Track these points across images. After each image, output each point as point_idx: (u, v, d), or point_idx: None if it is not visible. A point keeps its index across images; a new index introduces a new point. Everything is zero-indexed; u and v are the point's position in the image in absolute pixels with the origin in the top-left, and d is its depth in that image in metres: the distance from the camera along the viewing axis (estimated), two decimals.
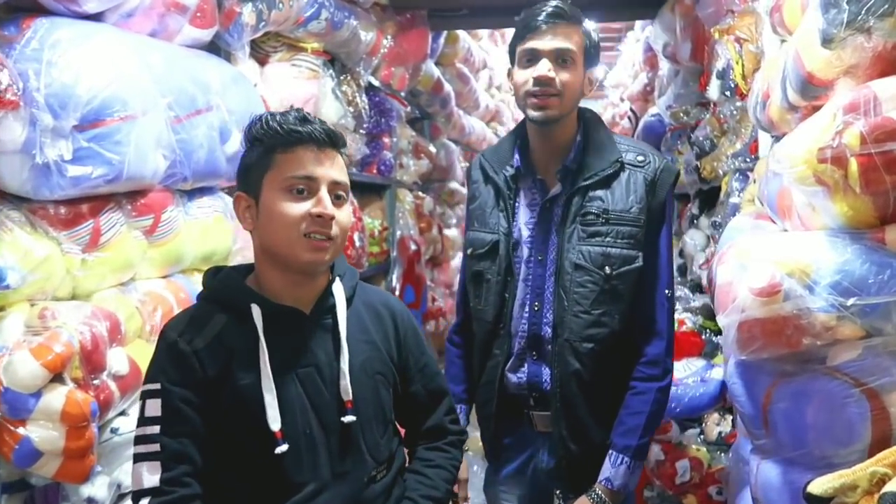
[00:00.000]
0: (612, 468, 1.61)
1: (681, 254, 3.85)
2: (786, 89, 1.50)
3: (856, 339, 1.25)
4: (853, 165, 1.18)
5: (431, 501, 1.37)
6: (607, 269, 1.61)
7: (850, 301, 1.21)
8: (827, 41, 1.24)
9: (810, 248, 1.29)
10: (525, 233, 1.71)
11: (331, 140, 1.27)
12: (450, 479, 1.43)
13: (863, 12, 1.17)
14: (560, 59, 1.62)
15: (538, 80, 1.61)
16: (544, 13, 1.63)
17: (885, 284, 1.19)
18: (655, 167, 1.66)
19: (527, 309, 1.70)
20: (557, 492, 1.67)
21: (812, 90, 1.39)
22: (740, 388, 1.50)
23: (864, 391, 1.20)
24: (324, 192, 1.24)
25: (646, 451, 1.65)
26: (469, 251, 1.79)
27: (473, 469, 1.94)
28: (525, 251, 1.70)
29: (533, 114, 1.65)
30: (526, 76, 1.64)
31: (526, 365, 1.71)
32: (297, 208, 1.23)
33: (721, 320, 1.39)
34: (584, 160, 1.67)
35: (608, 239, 1.62)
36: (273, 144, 1.25)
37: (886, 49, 1.19)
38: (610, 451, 1.63)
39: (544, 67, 1.61)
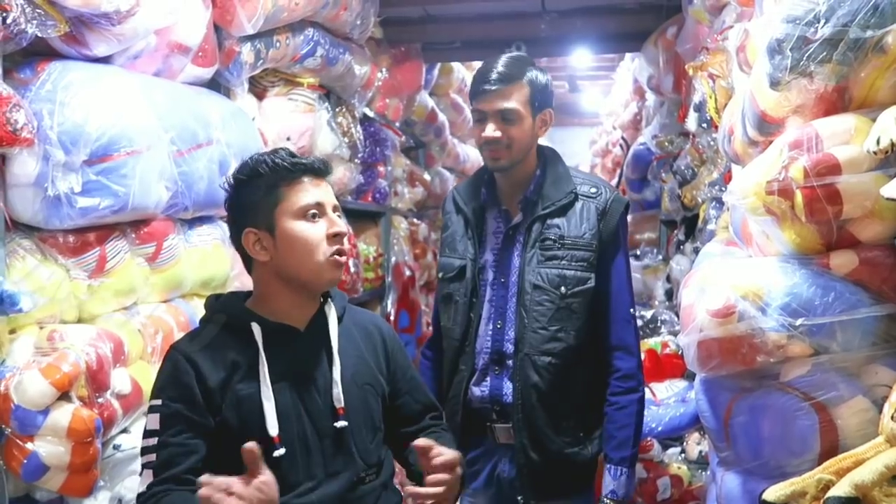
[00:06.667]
0: (613, 480, 1.74)
1: (668, 279, 3.94)
2: (745, 125, 1.60)
3: (805, 356, 1.34)
4: (798, 197, 1.28)
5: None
6: (563, 289, 1.77)
7: (799, 321, 1.30)
8: (774, 84, 1.34)
9: (762, 272, 1.38)
10: (490, 258, 1.87)
11: (325, 168, 1.41)
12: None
13: (804, 59, 1.26)
14: (503, 118, 1.78)
15: (485, 140, 1.79)
16: (487, 80, 1.78)
17: (830, 306, 1.29)
18: (606, 198, 1.83)
19: (490, 327, 1.84)
20: (520, 498, 1.78)
21: (767, 127, 1.49)
22: (705, 403, 1.59)
23: (814, 405, 1.29)
24: (332, 214, 1.38)
25: (637, 459, 1.79)
26: (440, 275, 1.94)
27: None
28: (490, 274, 1.86)
29: (488, 164, 1.85)
30: (478, 133, 1.82)
31: (489, 379, 1.84)
32: (318, 232, 1.35)
33: (682, 340, 1.49)
34: (542, 192, 1.84)
35: (564, 262, 1.78)
36: (276, 180, 1.36)
37: (827, 91, 1.30)
38: (608, 466, 1.75)
39: (490, 129, 1.79)
